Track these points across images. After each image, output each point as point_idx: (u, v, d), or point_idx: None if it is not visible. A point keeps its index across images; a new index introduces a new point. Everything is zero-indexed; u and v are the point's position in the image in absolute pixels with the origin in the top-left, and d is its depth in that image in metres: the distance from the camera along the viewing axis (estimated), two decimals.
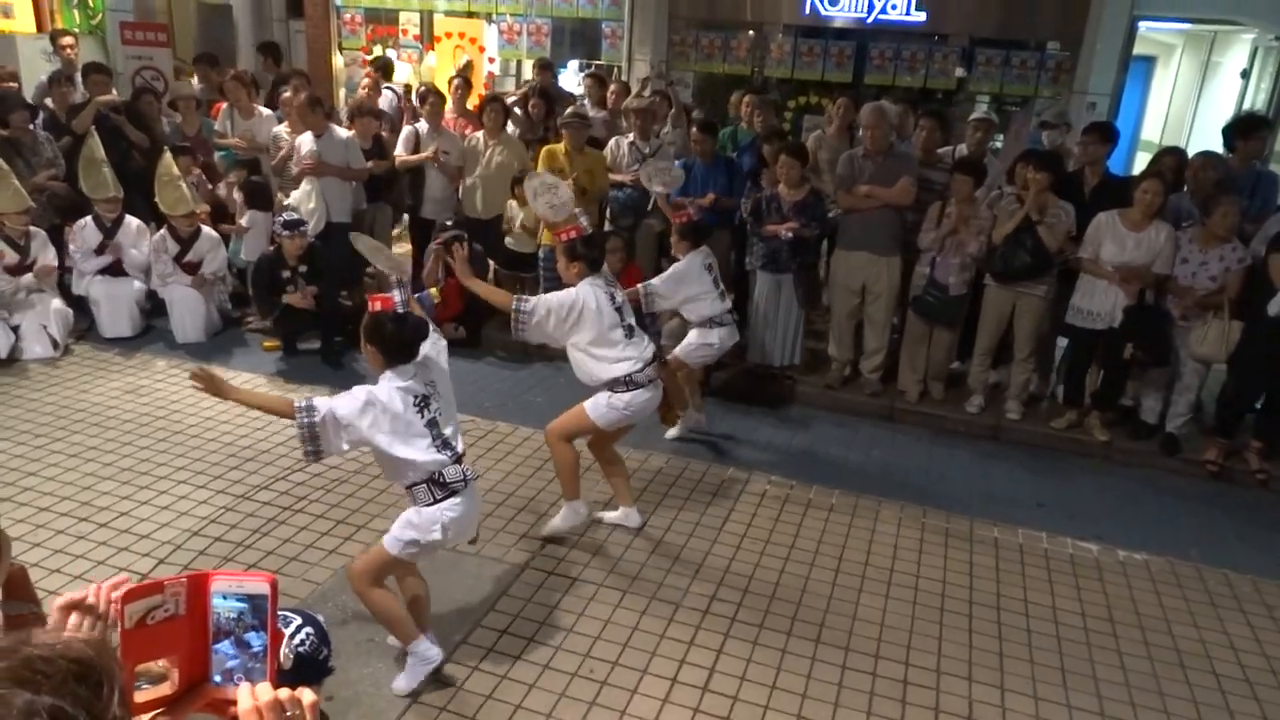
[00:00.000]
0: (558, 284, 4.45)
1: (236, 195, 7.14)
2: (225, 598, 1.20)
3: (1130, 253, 5.33)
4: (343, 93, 9.74)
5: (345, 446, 3.09)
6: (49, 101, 7.40)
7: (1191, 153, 6.01)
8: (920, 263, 5.87)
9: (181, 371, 6.02)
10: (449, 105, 7.54)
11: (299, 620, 3.32)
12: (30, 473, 4.62)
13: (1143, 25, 7.94)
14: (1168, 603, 4.20)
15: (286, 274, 6.21)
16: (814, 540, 4.51)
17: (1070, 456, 5.70)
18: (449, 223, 6.75)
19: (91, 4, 10.32)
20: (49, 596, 3.41)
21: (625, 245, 5.84)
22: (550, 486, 4.67)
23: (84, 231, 6.41)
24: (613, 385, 4.11)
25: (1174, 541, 4.73)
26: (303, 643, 3.26)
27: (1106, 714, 3.45)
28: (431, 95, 7.08)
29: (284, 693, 1.13)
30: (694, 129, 6.47)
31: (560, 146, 6.48)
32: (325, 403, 3.03)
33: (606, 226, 6.15)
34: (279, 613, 2.58)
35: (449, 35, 10.14)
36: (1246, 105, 8.78)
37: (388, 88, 8.48)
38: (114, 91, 7.30)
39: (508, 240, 6.88)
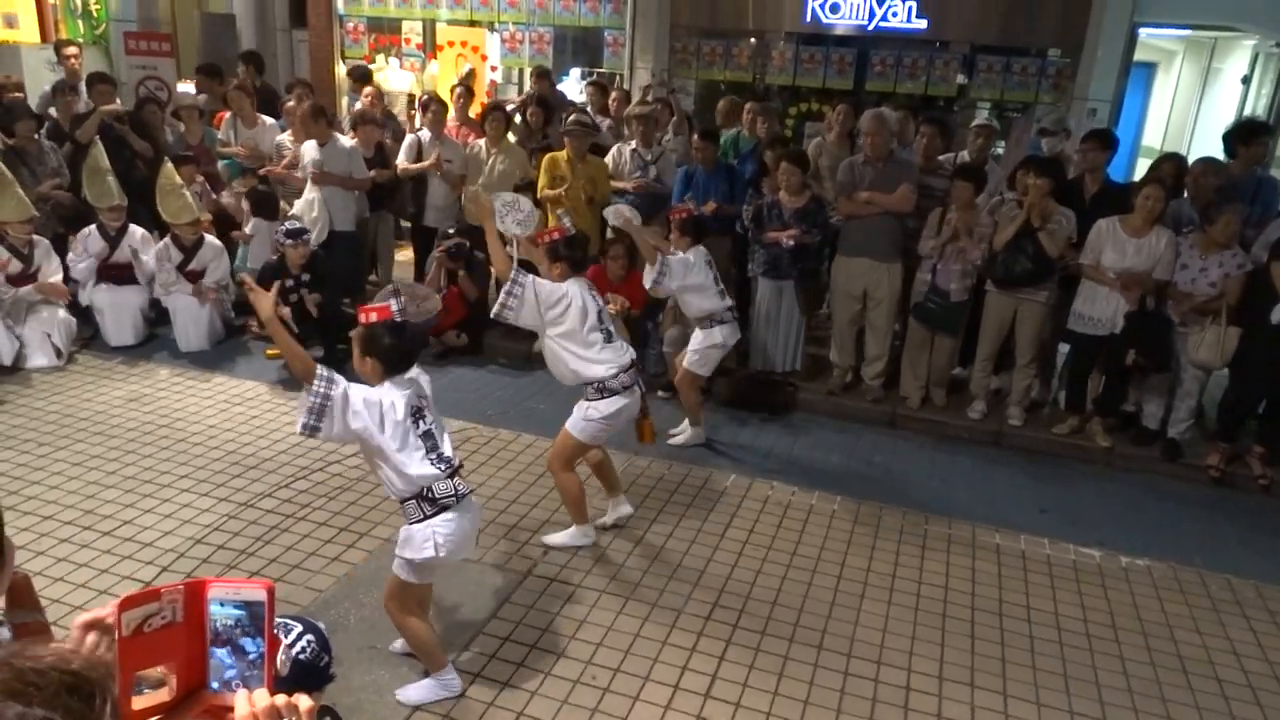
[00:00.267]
0: None
1: (245, 204, 7.18)
2: (222, 604, 1.20)
3: (1131, 259, 5.34)
4: (345, 101, 9.78)
5: (342, 433, 3.06)
6: (53, 111, 7.45)
7: (1192, 159, 6.02)
8: (921, 269, 5.87)
9: (184, 380, 6.05)
10: (451, 113, 7.57)
11: (299, 628, 3.31)
12: (33, 481, 4.63)
13: (1143, 32, 7.95)
14: (1170, 608, 4.20)
15: (290, 283, 6.22)
16: (816, 547, 4.51)
17: (1072, 462, 5.69)
18: (451, 231, 6.77)
19: (95, 14, 10.38)
20: (52, 605, 3.43)
21: (627, 252, 5.86)
22: (552, 494, 4.67)
23: (88, 240, 6.44)
24: (587, 391, 4.14)
25: (1176, 547, 4.72)
26: (303, 650, 3.24)
27: None
28: (434, 103, 7.12)
29: (281, 699, 1.14)
30: (695, 136, 6.48)
31: (562, 154, 6.50)
32: (345, 381, 3.05)
33: (608, 234, 6.15)
34: (278, 620, 2.58)
35: (451, 44, 10.20)
36: (1247, 111, 8.79)
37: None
38: (118, 101, 7.35)
39: (509, 248, 6.87)
